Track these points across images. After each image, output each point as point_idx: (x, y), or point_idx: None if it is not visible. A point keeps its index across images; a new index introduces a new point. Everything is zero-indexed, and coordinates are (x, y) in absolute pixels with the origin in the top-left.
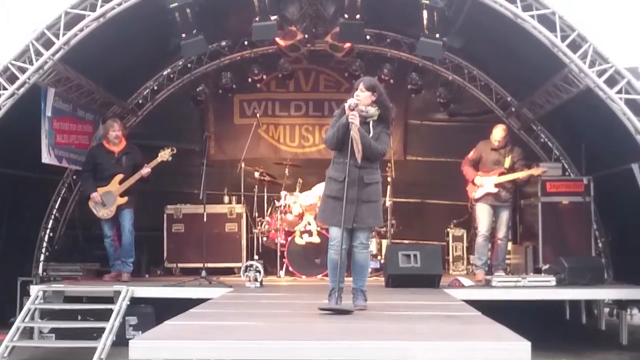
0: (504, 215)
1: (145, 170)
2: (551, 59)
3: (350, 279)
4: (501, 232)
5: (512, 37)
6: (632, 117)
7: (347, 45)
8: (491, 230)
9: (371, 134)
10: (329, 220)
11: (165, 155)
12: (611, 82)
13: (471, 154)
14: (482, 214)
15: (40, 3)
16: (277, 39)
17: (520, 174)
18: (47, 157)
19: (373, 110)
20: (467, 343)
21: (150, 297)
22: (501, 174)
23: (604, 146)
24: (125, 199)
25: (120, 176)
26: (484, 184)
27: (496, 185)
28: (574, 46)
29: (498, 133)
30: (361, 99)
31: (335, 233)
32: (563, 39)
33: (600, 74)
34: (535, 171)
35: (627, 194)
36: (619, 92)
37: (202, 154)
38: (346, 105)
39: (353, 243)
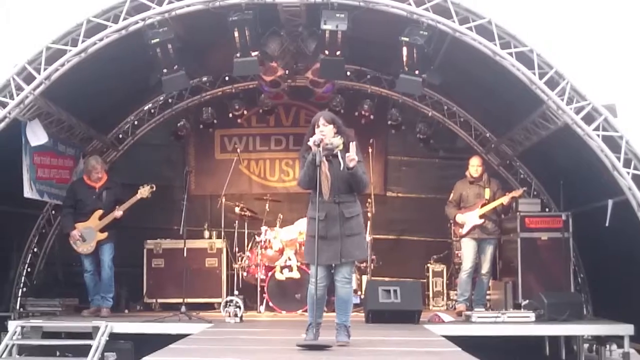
0: (489, 251)
1: (118, 212)
2: (529, 96)
3: (330, 314)
4: (485, 268)
5: (490, 74)
6: (610, 154)
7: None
8: (475, 267)
9: (342, 165)
10: (316, 260)
11: (144, 192)
12: (589, 119)
13: (451, 196)
14: (467, 250)
15: (40, 3)
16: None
17: (503, 199)
18: (28, 192)
19: (338, 141)
20: None
21: (130, 332)
22: (483, 205)
23: (582, 182)
24: (105, 234)
25: (100, 212)
26: (467, 219)
27: (481, 217)
28: (552, 83)
29: (474, 162)
30: (326, 133)
31: (318, 270)
32: (541, 76)
33: (577, 111)
34: (516, 193)
35: (606, 230)
36: (597, 129)
37: (183, 189)
38: (310, 142)
39: (335, 278)
